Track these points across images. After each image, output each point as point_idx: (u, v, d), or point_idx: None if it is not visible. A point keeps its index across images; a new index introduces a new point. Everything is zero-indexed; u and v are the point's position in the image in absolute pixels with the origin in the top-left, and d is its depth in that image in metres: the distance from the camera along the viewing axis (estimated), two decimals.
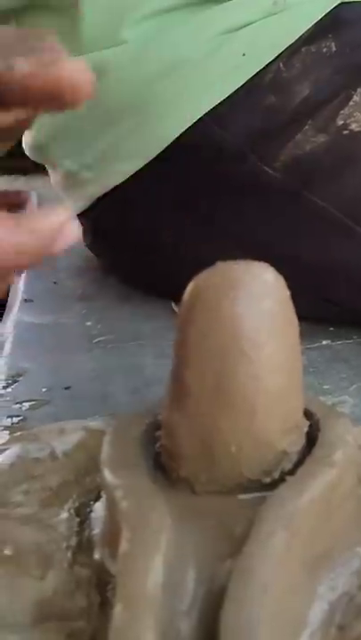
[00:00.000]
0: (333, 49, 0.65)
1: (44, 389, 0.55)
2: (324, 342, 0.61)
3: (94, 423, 0.43)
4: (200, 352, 0.33)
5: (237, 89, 0.64)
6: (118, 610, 0.28)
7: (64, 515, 0.37)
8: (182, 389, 0.34)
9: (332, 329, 0.63)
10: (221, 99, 0.64)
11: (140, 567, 0.30)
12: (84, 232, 0.71)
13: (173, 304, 0.59)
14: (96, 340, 0.64)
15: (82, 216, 0.71)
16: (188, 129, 0.65)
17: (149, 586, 0.29)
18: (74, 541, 0.35)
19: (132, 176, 0.68)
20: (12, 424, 0.50)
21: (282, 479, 0.34)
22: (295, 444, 0.35)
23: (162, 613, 0.29)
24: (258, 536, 0.31)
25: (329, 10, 0.66)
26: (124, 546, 0.31)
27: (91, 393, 0.54)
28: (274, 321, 0.34)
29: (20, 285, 0.77)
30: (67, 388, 0.54)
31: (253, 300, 0.33)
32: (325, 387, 0.54)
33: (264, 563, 0.30)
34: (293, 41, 0.65)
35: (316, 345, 0.60)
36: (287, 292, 0.35)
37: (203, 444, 0.34)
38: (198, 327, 0.33)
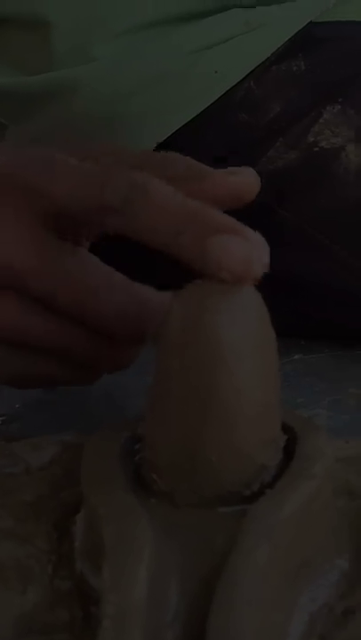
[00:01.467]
0: (303, 67, 0.66)
1: (17, 405, 0.55)
2: (296, 356, 0.61)
3: (70, 437, 0.43)
4: (182, 364, 0.33)
5: (209, 106, 0.64)
6: (105, 625, 0.28)
7: (41, 529, 0.36)
8: (164, 400, 0.34)
9: (303, 343, 0.63)
10: (193, 116, 0.65)
11: (125, 582, 0.30)
12: None
13: None
14: None
15: None
16: (159, 146, 0.65)
17: (135, 600, 0.29)
18: (53, 555, 0.35)
19: None
20: None
21: (261, 492, 0.34)
22: (273, 457, 0.35)
23: (147, 626, 0.29)
24: (241, 550, 0.31)
25: (299, 29, 0.67)
26: (107, 560, 0.31)
27: (67, 406, 0.53)
28: (254, 335, 0.34)
29: None
30: (40, 402, 0.54)
31: (234, 313, 0.34)
32: (299, 400, 0.54)
33: (248, 576, 0.30)
34: (264, 59, 0.65)
35: (289, 359, 0.60)
36: (265, 308, 0.35)
37: (184, 455, 0.34)
38: (180, 339, 0.34)
